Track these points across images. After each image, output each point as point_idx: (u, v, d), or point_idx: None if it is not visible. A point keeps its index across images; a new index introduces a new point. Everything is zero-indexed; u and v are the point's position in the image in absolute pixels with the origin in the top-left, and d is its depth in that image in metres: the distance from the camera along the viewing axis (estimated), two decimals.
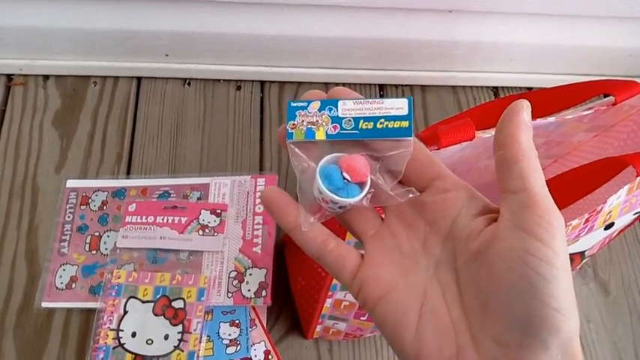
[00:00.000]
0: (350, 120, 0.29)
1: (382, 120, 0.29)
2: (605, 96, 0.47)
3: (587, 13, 0.69)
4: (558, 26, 0.72)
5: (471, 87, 0.81)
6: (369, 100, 0.29)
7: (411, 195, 0.29)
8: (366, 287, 0.29)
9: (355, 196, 0.29)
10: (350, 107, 0.29)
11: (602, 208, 0.43)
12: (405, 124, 0.29)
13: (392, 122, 0.29)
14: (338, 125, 0.29)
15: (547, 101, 0.48)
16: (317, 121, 0.29)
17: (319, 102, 0.29)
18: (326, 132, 0.29)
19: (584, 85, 0.48)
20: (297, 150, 0.30)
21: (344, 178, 0.28)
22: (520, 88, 0.82)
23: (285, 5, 0.67)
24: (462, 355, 0.26)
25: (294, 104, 0.30)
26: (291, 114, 0.30)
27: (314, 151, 0.30)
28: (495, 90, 0.82)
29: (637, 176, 0.42)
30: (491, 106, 0.50)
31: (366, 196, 0.29)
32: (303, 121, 0.29)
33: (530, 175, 0.26)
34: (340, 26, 0.71)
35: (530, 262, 0.24)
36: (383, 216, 0.31)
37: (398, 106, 0.29)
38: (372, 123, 0.29)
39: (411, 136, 0.29)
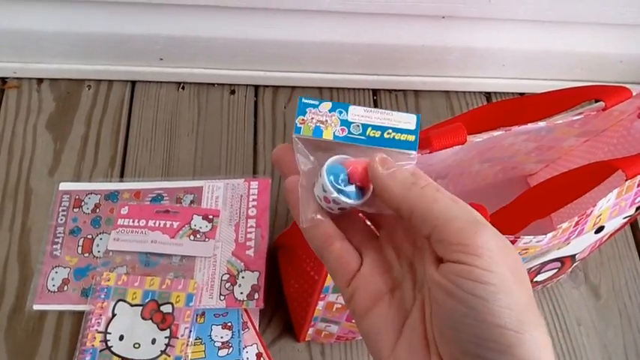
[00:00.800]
0: (358, 125, 0.30)
1: (390, 130, 0.29)
2: (596, 101, 0.47)
3: (578, 19, 0.70)
4: (550, 32, 0.73)
5: (463, 92, 0.82)
6: (380, 111, 0.30)
7: None
8: (357, 297, 0.29)
9: (357, 199, 0.29)
10: (360, 113, 0.30)
11: (591, 212, 0.43)
12: (412, 137, 0.29)
13: (399, 134, 0.29)
14: (346, 128, 0.30)
15: (538, 106, 0.49)
16: (326, 120, 0.30)
17: (331, 103, 0.30)
18: (334, 133, 0.30)
19: (574, 90, 0.49)
20: (301, 146, 0.30)
21: (349, 180, 0.29)
22: (512, 93, 0.82)
23: (278, 10, 0.68)
24: None
25: (306, 100, 0.30)
26: (302, 110, 0.30)
27: (318, 151, 0.30)
28: (488, 95, 0.82)
29: (626, 180, 0.42)
30: (484, 110, 0.51)
31: (367, 200, 0.29)
32: (312, 118, 0.30)
33: (428, 215, 0.26)
34: (333, 31, 0.71)
35: (463, 285, 0.24)
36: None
37: (406, 120, 0.30)
38: (379, 132, 0.29)
39: (416, 149, 0.29)
